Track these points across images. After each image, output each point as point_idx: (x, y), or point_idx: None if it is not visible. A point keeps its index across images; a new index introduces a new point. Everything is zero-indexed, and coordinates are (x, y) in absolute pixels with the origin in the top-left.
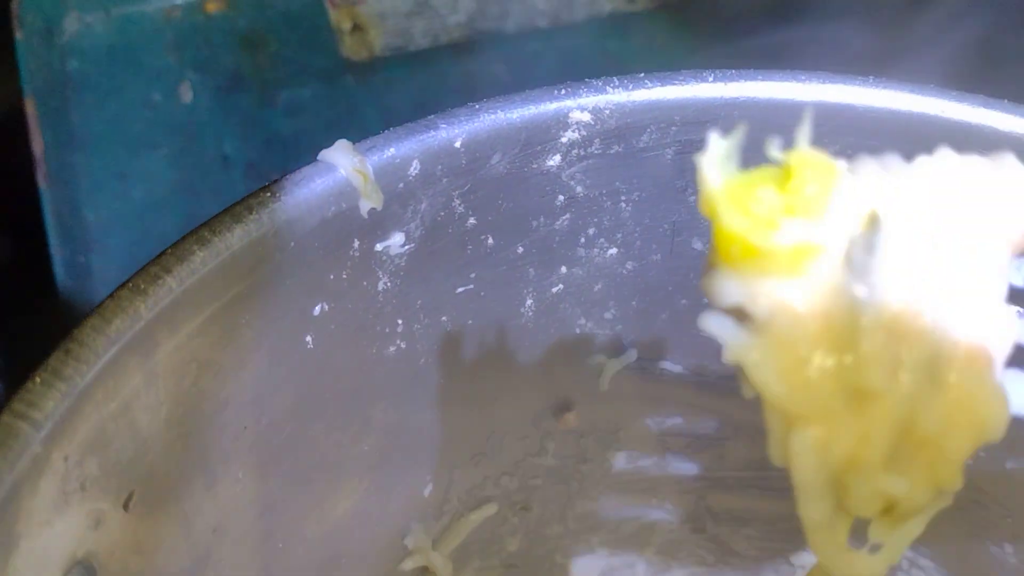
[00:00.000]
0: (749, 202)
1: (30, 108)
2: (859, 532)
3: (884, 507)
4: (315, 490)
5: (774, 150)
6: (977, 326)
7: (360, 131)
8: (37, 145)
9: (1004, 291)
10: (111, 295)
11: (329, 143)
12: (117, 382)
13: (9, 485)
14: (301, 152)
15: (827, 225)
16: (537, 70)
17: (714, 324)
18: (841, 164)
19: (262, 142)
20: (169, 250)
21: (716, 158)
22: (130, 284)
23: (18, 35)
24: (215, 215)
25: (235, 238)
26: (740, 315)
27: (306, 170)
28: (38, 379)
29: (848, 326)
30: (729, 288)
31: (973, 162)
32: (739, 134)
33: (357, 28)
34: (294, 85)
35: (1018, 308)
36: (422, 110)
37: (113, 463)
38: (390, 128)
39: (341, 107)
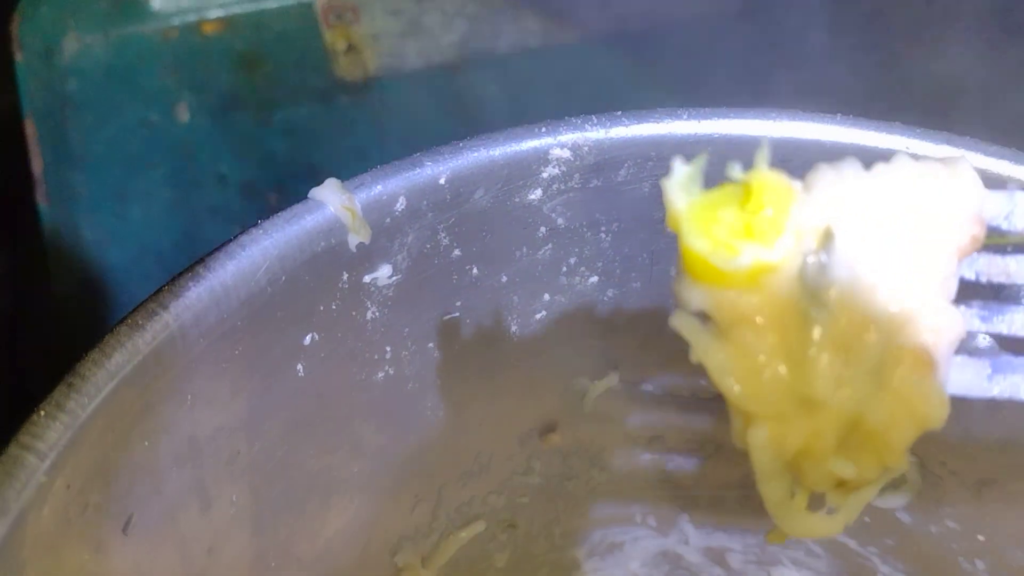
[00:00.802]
0: (712, 224)
1: (30, 128)
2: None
3: (837, 483)
4: (306, 512)
5: (736, 172)
6: (922, 331)
7: (354, 150)
8: (36, 164)
9: (952, 292)
10: (111, 331)
11: (324, 161)
12: (116, 413)
13: (16, 513)
14: (296, 170)
15: (783, 246)
16: (529, 90)
17: (682, 324)
18: (797, 185)
19: (258, 161)
20: (165, 287)
21: (680, 181)
22: (128, 320)
23: (18, 57)
24: (209, 252)
25: (228, 274)
26: (706, 317)
27: (297, 207)
28: (42, 412)
29: (801, 338)
30: (695, 295)
31: (928, 168)
32: (702, 160)
33: (352, 49)
34: (289, 105)
35: (965, 303)
36: (415, 129)
37: (113, 489)
38: (383, 146)
39: (336, 126)
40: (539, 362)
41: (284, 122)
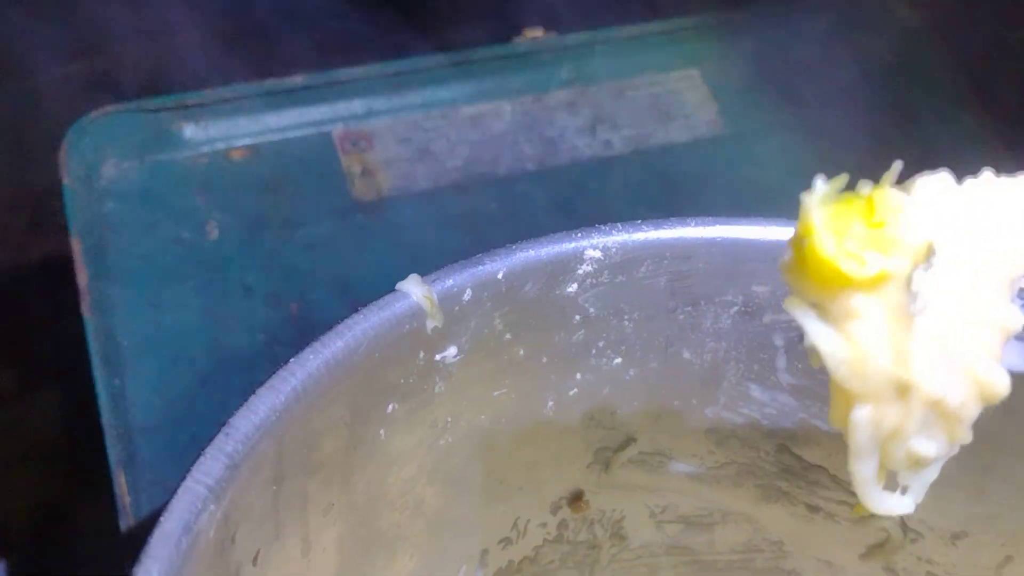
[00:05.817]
0: (842, 236)
1: (75, 246)
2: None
3: (913, 461)
4: (377, 563)
5: (865, 188)
6: (997, 324)
7: (370, 263)
8: (82, 278)
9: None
10: (255, 392)
11: (342, 273)
12: (257, 461)
13: (194, 533)
14: (317, 281)
15: (902, 258)
16: (526, 207)
17: (798, 310)
18: (904, 197)
19: (281, 274)
20: (293, 360)
21: (819, 198)
22: (268, 384)
23: (65, 181)
24: (325, 332)
25: (339, 349)
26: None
27: (388, 297)
28: (207, 454)
29: (904, 332)
30: (812, 290)
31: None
32: (840, 180)
33: (366, 172)
34: (310, 223)
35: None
36: (424, 243)
37: (250, 526)
38: (395, 258)
39: (352, 242)
40: (570, 434)
41: (305, 238)
